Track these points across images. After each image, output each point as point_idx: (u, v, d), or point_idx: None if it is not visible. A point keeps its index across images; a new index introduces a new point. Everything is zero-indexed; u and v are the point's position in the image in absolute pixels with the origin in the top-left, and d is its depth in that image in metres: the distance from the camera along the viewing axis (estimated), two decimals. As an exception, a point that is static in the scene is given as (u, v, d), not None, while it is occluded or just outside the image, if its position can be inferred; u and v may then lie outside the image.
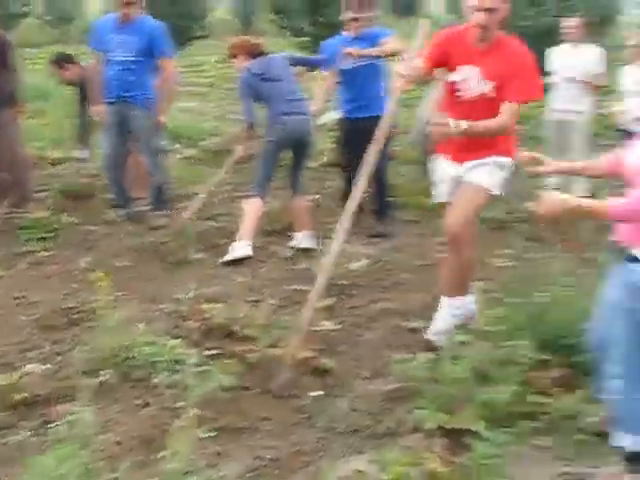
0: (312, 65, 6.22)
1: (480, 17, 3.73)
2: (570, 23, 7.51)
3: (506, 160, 3.97)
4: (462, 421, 3.11)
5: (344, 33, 6.10)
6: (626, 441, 2.94)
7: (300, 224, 5.73)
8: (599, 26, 12.41)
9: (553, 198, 2.77)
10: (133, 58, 5.83)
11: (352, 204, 3.92)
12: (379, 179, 5.92)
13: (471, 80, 3.87)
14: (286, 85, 5.56)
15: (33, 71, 12.64)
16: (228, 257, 5.36)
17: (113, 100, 5.95)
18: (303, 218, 5.75)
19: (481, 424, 3.09)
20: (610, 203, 2.74)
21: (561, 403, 3.32)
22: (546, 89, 7.93)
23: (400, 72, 3.85)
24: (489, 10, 3.71)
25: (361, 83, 5.86)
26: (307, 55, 6.28)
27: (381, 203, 6.13)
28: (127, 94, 5.88)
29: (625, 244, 2.81)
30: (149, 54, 5.88)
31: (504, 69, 3.79)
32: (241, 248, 5.36)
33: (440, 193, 4.18)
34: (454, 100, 3.96)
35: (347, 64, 5.81)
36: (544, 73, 7.70)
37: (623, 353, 2.86)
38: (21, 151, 6.38)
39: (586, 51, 7.53)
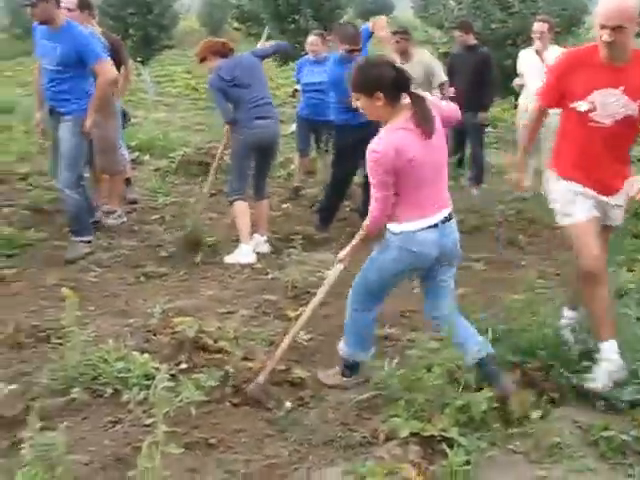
0: (279, 52, 6.33)
1: (607, 34, 3.39)
2: (537, 27, 7.54)
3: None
4: (437, 428, 3.10)
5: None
6: (342, 350, 3.71)
7: (261, 228, 5.85)
8: (567, 26, 12.46)
9: None
10: (57, 67, 5.50)
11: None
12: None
13: (610, 104, 3.54)
14: (256, 89, 5.59)
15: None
16: (230, 260, 5.50)
17: (49, 111, 5.79)
18: (264, 222, 5.88)
19: (455, 430, 3.08)
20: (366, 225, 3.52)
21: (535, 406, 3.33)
22: (518, 92, 8.07)
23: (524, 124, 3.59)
24: (618, 28, 3.36)
25: None
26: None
27: None
28: (56, 104, 5.64)
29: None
30: (76, 63, 5.50)
31: None
32: (247, 255, 5.53)
33: (574, 212, 3.68)
34: (584, 130, 3.61)
35: None
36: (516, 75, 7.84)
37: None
38: None
39: (551, 53, 7.55)
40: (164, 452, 2.69)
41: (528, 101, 7.65)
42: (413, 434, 3.09)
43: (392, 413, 3.24)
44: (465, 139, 7.83)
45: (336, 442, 3.17)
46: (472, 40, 7.92)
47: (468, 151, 7.93)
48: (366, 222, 3.52)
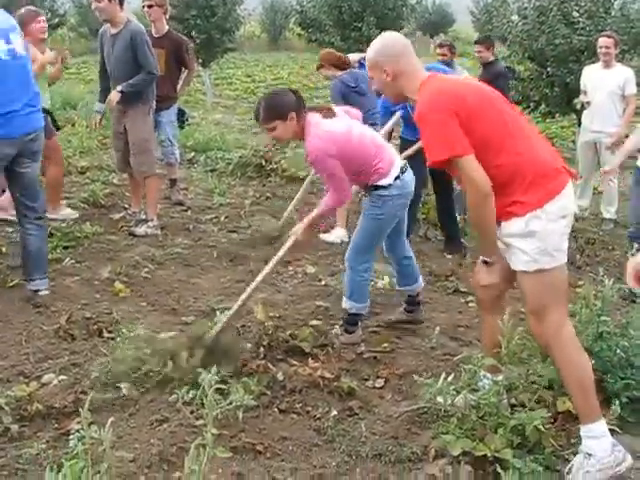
0: None
1: None
2: (602, 41, 7.38)
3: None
4: (489, 448, 2.99)
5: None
6: (346, 304, 4.17)
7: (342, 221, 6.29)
8: (633, 45, 12.21)
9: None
10: None
11: None
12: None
13: None
14: (371, 98, 6.14)
15: (65, 80, 12.70)
16: (328, 238, 6.15)
17: None
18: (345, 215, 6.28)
19: (509, 452, 2.96)
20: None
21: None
22: (581, 109, 7.93)
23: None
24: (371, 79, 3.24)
25: None
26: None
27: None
28: None
29: None
30: None
31: None
32: (342, 236, 6.14)
33: None
34: None
35: None
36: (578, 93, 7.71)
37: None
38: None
39: (618, 71, 7.39)
40: (211, 455, 2.65)
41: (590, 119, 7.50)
42: (465, 453, 2.99)
43: (443, 430, 3.14)
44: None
45: (385, 456, 3.09)
46: (491, 57, 7.62)
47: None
48: (326, 202, 4.00)
